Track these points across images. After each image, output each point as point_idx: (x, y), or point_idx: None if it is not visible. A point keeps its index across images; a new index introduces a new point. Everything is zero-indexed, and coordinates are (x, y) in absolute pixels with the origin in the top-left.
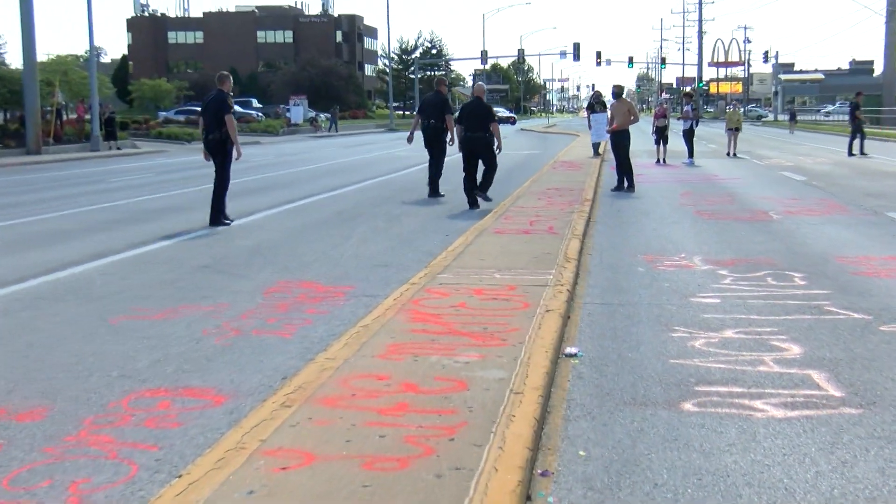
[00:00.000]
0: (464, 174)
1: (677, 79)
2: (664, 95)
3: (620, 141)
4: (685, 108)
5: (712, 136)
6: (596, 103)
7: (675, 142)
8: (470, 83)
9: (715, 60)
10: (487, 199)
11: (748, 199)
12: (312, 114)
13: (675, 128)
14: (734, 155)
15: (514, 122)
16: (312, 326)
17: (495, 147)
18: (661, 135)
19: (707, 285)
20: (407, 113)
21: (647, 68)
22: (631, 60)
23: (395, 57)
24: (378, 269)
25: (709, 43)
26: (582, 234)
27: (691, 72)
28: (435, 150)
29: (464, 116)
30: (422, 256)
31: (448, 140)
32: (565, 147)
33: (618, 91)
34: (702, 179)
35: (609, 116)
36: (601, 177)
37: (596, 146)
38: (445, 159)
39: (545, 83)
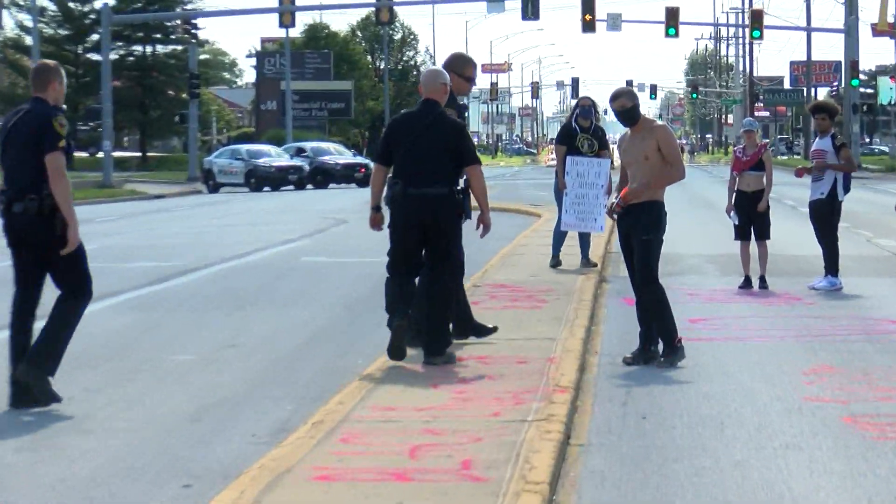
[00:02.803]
0: (388, 271)
1: (793, 68)
2: (753, 117)
3: (643, 229)
4: (815, 146)
5: (884, 214)
6: (580, 131)
7: (792, 230)
8: (251, 78)
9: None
10: (437, 360)
11: None
12: None
13: (790, 194)
14: None
15: (362, 177)
16: None
17: (475, 222)
18: (749, 211)
19: None
20: (83, 155)
21: (713, 40)
22: (673, 21)
23: (55, 14)
24: None
25: None
26: (549, 482)
27: (827, 50)
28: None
29: (394, 147)
30: None
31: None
32: (505, 246)
33: (624, 106)
34: (862, 331)
35: (614, 166)
36: (597, 325)
37: (581, 243)
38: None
39: None
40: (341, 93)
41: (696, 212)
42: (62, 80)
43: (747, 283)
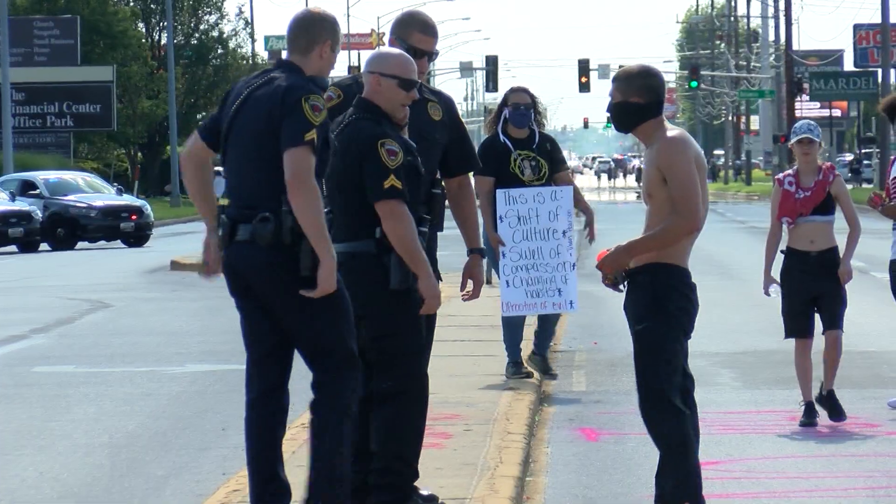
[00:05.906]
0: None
1: (860, 36)
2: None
3: (635, 314)
4: None
5: None
6: (513, 147)
7: (866, 310)
8: None
9: None
10: None
11: None
12: None
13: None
14: None
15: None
16: None
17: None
18: (811, 285)
19: None
20: None
21: None
22: None
23: None
24: None
25: None
26: None
27: None
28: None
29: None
30: None
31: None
32: None
33: (613, 98)
34: None
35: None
36: (536, 476)
37: (540, 329)
38: None
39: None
40: (96, 87)
41: (703, 282)
42: (337, 42)
43: (811, 414)
